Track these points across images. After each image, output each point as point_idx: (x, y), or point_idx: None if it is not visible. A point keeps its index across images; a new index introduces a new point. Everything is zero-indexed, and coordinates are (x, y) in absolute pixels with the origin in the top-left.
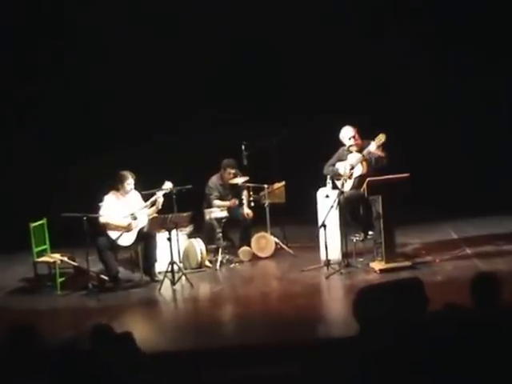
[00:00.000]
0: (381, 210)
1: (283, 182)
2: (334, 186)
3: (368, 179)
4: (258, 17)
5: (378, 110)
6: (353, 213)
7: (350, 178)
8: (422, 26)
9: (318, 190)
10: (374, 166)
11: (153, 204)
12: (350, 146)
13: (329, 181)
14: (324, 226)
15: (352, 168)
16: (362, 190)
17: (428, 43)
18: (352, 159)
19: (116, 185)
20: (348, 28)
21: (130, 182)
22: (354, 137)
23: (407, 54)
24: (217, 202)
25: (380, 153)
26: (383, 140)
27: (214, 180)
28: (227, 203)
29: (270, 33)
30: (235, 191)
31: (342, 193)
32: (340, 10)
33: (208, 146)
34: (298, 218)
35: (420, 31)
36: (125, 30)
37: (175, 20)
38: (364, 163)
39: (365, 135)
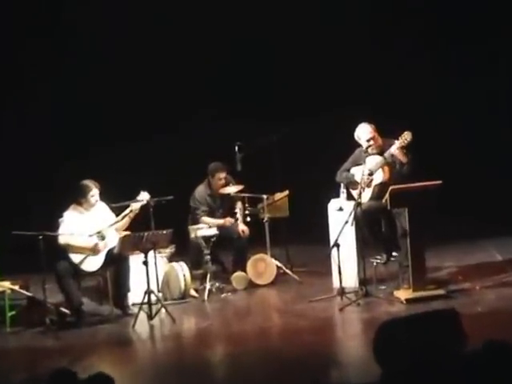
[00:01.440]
0: (407, 226)
1: (286, 192)
2: (350, 197)
3: (391, 188)
4: (256, 15)
5: (401, 106)
6: (372, 229)
7: (368, 186)
8: (422, 25)
9: (329, 201)
10: (398, 172)
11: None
12: (369, 146)
13: (343, 190)
14: (337, 245)
15: (371, 174)
16: (383, 200)
17: (430, 43)
18: (371, 163)
19: (78, 198)
20: (347, 28)
21: (94, 194)
22: (373, 138)
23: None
24: (206, 219)
25: (402, 157)
26: (409, 139)
27: (200, 190)
28: (220, 221)
29: (269, 32)
30: (228, 203)
31: (358, 204)
32: (340, 9)
33: (195, 148)
34: (304, 236)
35: (421, 30)
36: (121, 28)
37: (171, 17)
38: (386, 168)
39: (386, 133)
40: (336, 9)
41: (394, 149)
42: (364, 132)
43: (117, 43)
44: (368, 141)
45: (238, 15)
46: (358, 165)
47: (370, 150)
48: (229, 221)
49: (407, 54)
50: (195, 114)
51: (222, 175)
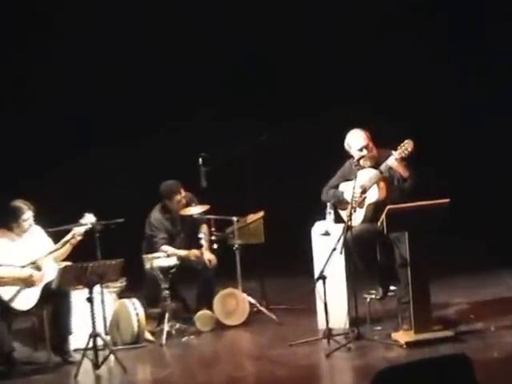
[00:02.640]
0: (407, 254)
1: (261, 213)
2: (338, 219)
3: (388, 207)
4: (255, 15)
5: (399, 110)
6: (366, 258)
7: (360, 205)
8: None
9: (313, 224)
10: (397, 188)
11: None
12: (361, 157)
13: (329, 210)
14: (323, 278)
15: (364, 191)
16: (379, 223)
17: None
18: (364, 178)
19: (8, 222)
20: (348, 27)
21: (27, 217)
22: (366, 147)
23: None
24: (165, 248)
25: (402, 170)
26: (410, 149)
27: (156, 215)
28: (183, 253)
29: (268, 32)
30: (190, 227)
31: (349, 228)
32: (342, 8)
33: (154, 160)
34: (283, 266)
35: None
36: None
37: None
38: (381, 184)
39: (382, 141)
40: (338, 8)
41: (392, 160)
42: (356, 139)
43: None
44: (360, 150)
45: (239, 15)
46: (348, 180)
47: (362, 161)
48: (194, 254)
49: (410, 53)
50: (156, 124)
51: (179, 196)
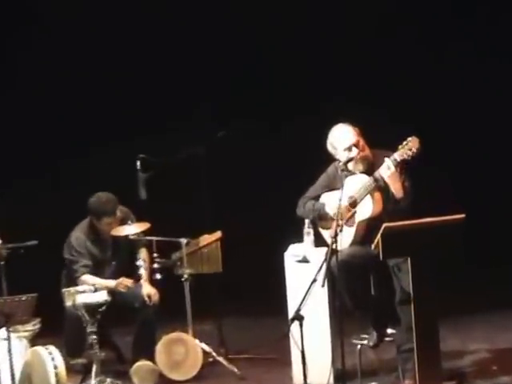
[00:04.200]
0: (410, 287)
1: (218, 234)
2: (319, 240)
3: (385, 226)
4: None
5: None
6: (356, 292)
7: (349, 223)
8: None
9: (286, 247)
10: (396, 201)
11: None
12: (349, 160)
13: (308, 230)
14: (299, 318)
15: (353, 204)
16: (373, 246)
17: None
18: (353, 187)
19: None
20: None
21: None
22: (355, 145)
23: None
24: (87, 279)
25: (396, 186)
26: (415, 149)
27: (79, 235)
28: (109, 283)
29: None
30: (124, 252)
31: (334, 253)
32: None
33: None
34: (247, 303)
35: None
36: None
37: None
38: (376, 195)
39: (377, 140)
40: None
41: (387, 168)
42: (341, 136)
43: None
44: (348, 150)
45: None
46: (332, 189)
47: (351, 165)
48: (123, 284)
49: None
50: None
51: (113, 219)
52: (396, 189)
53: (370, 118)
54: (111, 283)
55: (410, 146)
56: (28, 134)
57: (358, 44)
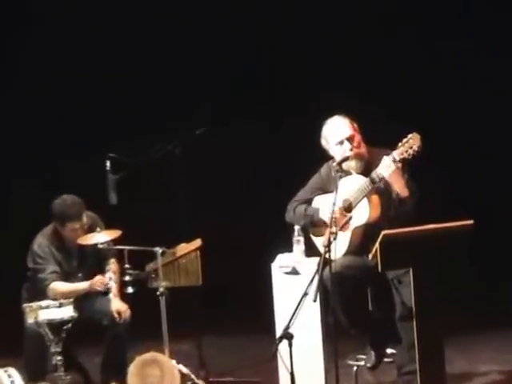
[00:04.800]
0: (412, 301)
1: (198, 242)
2: (311, 249)
3: (384, 233)
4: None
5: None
6: (351, 307)
7: (343, 229)
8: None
9: (274, 258)
10: (401, 201)
11: None
12: (344, 159)
13: (297, 237)
14: (288, 336)
15: (348, 208)
16: (370, 256)
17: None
18: (349, 189)
19: None
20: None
21: None
22: (350, 139)
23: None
24: (59, 286)
25: (399, 185)
26: (416, 147)
27: (42, 242)
28: (82, 286)
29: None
30: (92, 261)
31: (327, 264)
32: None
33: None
34: (230, 319)
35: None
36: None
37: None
38: (374, 199)
39: (375, 138)
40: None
41: (387, 166)
42: (335, 129)
43: None
44: (341, 143)
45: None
46: (325, 192)
47: (346, 164)
48: (99, 281)
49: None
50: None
51: (79, 225)
52: (400, 187)
53: (371, 116)
54: (84, 285)
55: (410, 144)
56: (28, 133)
57: (358, 43)
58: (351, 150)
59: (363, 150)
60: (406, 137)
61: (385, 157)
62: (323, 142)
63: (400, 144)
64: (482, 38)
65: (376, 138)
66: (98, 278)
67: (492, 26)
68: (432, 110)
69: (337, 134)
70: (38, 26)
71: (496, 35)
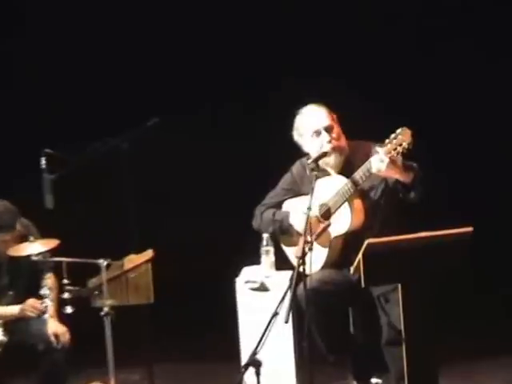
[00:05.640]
0: (401, 323)
1: (149, 253)
2: (282, 262)
3: (367, 242)
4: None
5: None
6: (330, 330)
7: (320, 239)
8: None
9: (238, 272)
10: (407, 187)
11: None
12: (321, 155)
13: (267, 247)
14: (255, 364)
15: (327, 214)
16: (352, 270)
17: None
18: (326, 191)
19: None
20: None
21: None
22: (328, 129)
23: None
24: None
25: (399, 173)
26: (406, 144)
27: None
28: (13, 310)
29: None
30: (25, 276)
31: (301, 278)
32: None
33: None
34: (187, 343)
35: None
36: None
37: None
38: (357, 203)
39: (359, 131)
40: None
41: (376, 164)
42: (310, 118)
43: None
44: (317, 134)
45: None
46: (298, 195)
47: (323, 161)
48: (32, 307)
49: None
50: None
51: (10, 236)
52: (402, 176)
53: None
54: (14, 310)
55: (399, 141)
56: (26, 134)
57: (351, 34)
58: (330, 142)
59: (343, 143)
60: (394, 132)
61: (371, 159)
62: (296, 136)
63: (387, 141)
64: (481, 37)
65: (360, 134)
66: (31, 302)
67: (491, 21)
68: (423, 103)
69: (313, 124)
70: (37, 25)
71: (495, 34)
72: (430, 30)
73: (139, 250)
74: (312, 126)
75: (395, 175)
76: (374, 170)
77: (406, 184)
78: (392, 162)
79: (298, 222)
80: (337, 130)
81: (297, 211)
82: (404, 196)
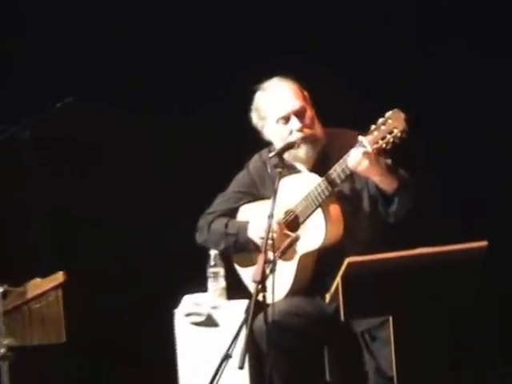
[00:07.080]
0: (393, 367)
1: (59, 276)
2: (234, 288)
3: (348, 261)
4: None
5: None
6: (297, 377)
7: (286, 256)
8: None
9: (178, 301)
10: (387, 199)
11: None
12: (288, 146)
13: (215, 269)
14: None
15: (294, 223)
16: (327, 298)
17: None
18: (293, 194)
19: None
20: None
21: None
22: (300, 112)
23: None
24: None
25: (383, 179)
26: (399, 132)
27: None
28: None
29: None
30: None
31: (260, 309)
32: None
33: None
34: None
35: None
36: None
37: None
38: (333, 208)
39: (341, 119)
40: None
41: (356, 158)
42: (275, 98)
43: None
44: (284, 120)
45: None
46: (256, 199)
47: (291, 154)
48: None
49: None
50: None
51: None
52: (383, 181)
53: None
54: None
55: (389, 127)
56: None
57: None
58: (300, 130)
59: (318, 131)
60: (383, 116)
61: (352, 149)
62: (255, 118)
63: (374, 127)
64: (477, 36)
65: (341, 120)
66: None
67: (490, 19)
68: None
69: (279, 105)
70: (37, 25)
71: (492, 34)
72: (426, 29)
73: (47, 272)
74: (278, 109)
75: (375, 177)
76: (349, 164)
77: (385, 193)
78: (377, 156)
79: (256, 235)
80: (310, 113)
81: (256, 221)
82: (382, 208)
